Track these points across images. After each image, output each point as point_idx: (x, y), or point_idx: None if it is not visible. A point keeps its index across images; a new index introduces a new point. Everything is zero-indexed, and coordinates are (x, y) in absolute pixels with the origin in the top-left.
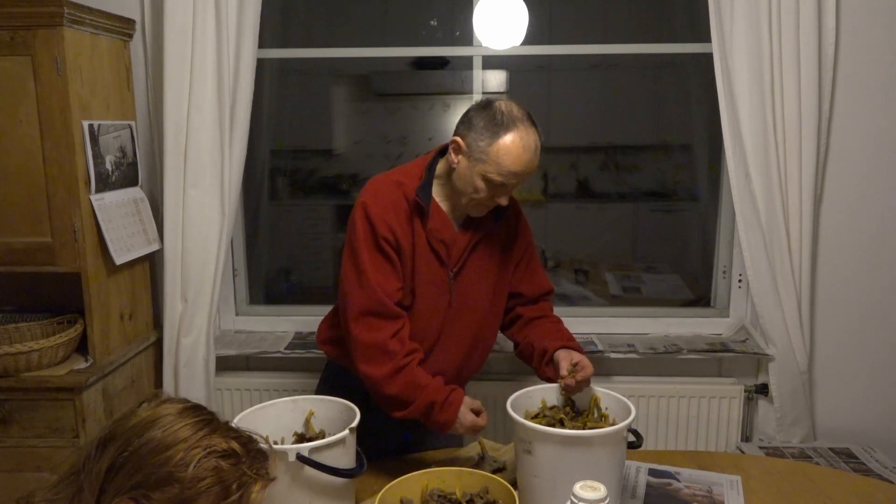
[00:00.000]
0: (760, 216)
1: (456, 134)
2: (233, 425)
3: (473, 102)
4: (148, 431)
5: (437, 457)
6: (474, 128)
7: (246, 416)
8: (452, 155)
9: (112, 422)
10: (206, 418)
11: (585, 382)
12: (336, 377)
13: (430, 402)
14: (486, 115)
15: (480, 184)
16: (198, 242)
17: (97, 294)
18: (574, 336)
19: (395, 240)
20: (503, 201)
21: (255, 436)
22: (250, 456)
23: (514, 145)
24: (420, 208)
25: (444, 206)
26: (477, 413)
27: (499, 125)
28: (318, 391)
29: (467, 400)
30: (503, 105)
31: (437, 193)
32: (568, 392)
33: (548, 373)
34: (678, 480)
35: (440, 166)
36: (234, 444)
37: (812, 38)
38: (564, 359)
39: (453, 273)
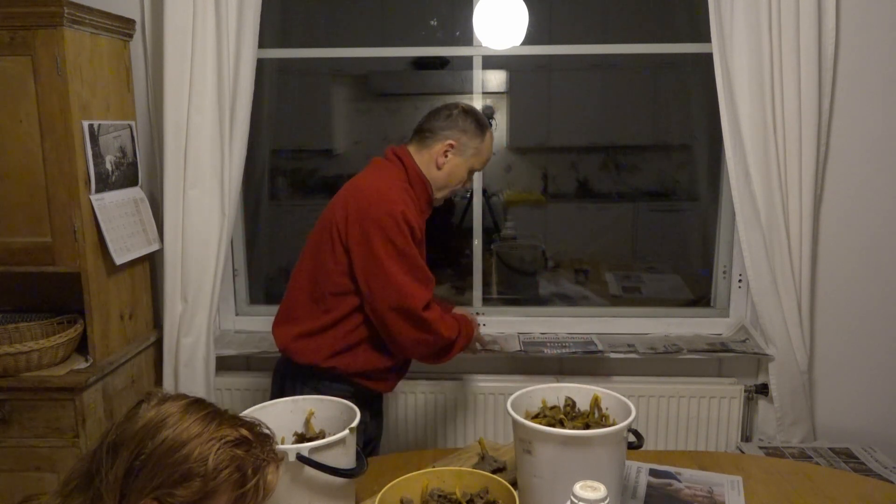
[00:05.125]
0: (760, 216)
1: (446, 138)
2: (233, 413)
3: (468, 102)
4: (159, 432)
5: (437, 457)
6: (467, 131)
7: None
8: (444, 156)
9: (115, 425)
10: (211, 411)
11: None
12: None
13: (468, 320)
14: (471, 120)
15: (465, 175)
16: (198, 242)
17: (97, 294)
18: (572, 335)
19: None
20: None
21: (255, 420)
22: (259, 440)
23: (491, 139)
24: (430, 207)
25: None
26: None
27: (482, 126)
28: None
29: None
30: (472, 108)
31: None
32: None
33: None
34: (679, 481)
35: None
36: (244, 431)
37: (812, 38)
38: None
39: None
